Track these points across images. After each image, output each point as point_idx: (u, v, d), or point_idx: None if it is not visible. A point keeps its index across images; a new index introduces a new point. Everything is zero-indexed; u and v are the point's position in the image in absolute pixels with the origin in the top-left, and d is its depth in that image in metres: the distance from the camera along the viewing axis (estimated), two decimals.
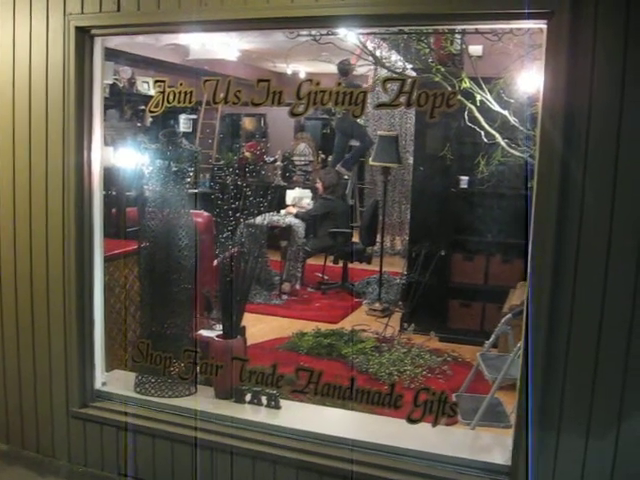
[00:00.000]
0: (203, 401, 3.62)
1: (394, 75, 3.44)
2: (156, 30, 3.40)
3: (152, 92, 8.81)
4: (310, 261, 8.13)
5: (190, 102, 3.24)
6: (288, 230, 7.49)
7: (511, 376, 3.63)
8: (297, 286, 7.53)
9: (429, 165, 6.04)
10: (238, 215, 3.83)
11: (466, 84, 3.21)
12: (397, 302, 6.90)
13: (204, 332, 4.00)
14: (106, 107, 3.70)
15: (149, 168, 3.80)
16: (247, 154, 11.07)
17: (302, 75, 12.65)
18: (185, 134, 10.74)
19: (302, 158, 11.49)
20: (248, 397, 3.56)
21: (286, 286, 7.42)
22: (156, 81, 3.32)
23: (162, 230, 3.72)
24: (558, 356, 2.75)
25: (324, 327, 6.14)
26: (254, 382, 3.46)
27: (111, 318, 3.95)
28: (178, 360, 3.65)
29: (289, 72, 10.45)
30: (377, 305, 6.84)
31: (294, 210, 7.91)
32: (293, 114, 3.01)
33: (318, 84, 2.95)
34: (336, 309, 6.98)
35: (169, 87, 3.27)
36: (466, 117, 3.53)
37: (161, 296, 3.72)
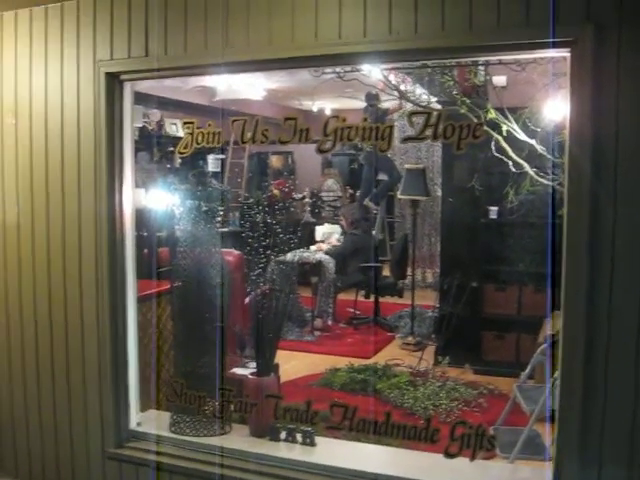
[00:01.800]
0: (238, 440, 3.61)
1: (419, 109, 3.45)
2: (184, 73, 3.47)
3: (180, 134, 8.93)
4: (341, 296, 8.12)
5: (219, 142, 3.29)
6: (318, 266, 7.51)
7: (549, 407, 3.57)
8: (329, 322, 7.53)
9: (458, 197, 6.04)
10: (269, 252, 3.85)
11: (492, 115, 3.22)
12: (430, 335, 6.85)
13: (237, 370, 4.00)
14: (136, 150, 3.75)
15: (179, 208, 3.85)
16: (275, 192, 11.15)
17: (327, 112, 12.73)
18: (214, 174, 10.85)
19: (330, 194, 11.54)
20: (283, 435, 3.54)
21: (318, 322, 7.42)
22: (185, 122, 3.38)
23: (194, 269, 3.75)
24: (597, 386, 2.70)
25: (357, 362, 6.10)
26: (289, 419, 3.43)
27: (145, 358, 3.96)
28: (212, 399, 3.64)
29: (315, 109, 10.53)
30: (410, 339, 6.80)
31: (325, 247, 7.94)
32: (321, 151, 3.04)
33: (344, 120, 2.98)
34: (369, 344, 6.94)
35: (198, 128, 3.32)
36: (493, 148, 3.54)
37: (194, 335, 3.73)
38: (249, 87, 9.97)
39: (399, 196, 7.42)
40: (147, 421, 3.82)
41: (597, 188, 2.62)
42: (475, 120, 3.17)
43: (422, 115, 2.86)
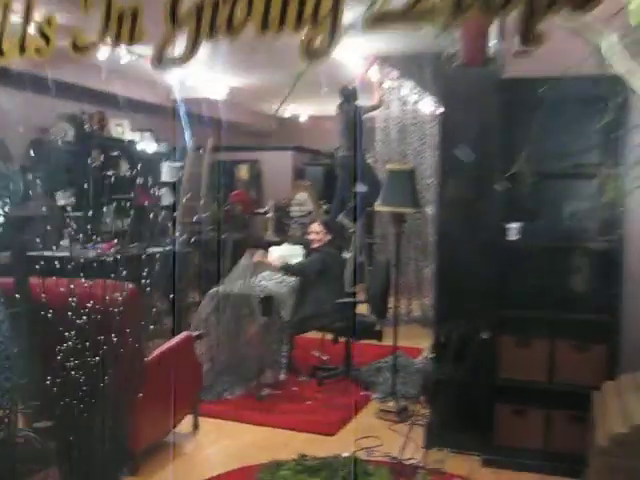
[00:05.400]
0: None
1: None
2: None
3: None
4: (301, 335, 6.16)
5: None
6: (268, 301, 5.49)
7: None
8: (282, 375, 5.57)
9: (461, 208, 4.18)
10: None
11: None
12: (418, 397, 5.03)
13: None
14: None
15: None
16: (234, 205, 9.42)
17: (303, 119, 11.64)
18: (171, 185, 9.18)
19: (300, 208, 9.81)
20: None
21: (267, 376, 5.48)
22: None
23: None
24: None
25: (314, 446, 4.22)
26: None
27: None
28: None
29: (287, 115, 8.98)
30: (391, 404, 4.93)
31: (277, 263, 5.99)
32: None
33: None
34: (335, 410, 5.02)
35: None
36: None
37: None
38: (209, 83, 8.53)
39: (377, 208, 5.45)
40: None
41: None
42: None
43: None
